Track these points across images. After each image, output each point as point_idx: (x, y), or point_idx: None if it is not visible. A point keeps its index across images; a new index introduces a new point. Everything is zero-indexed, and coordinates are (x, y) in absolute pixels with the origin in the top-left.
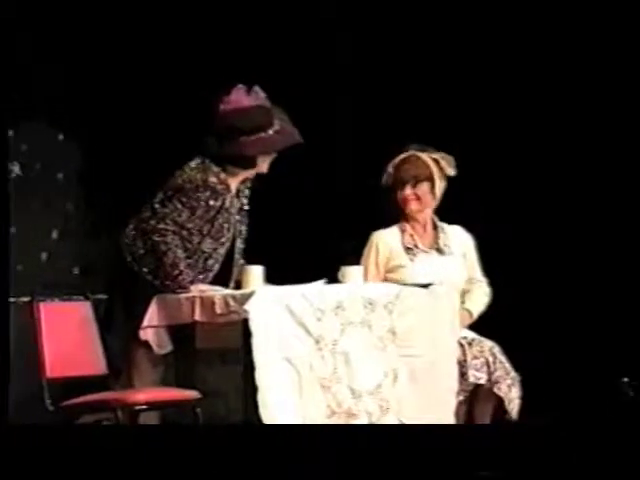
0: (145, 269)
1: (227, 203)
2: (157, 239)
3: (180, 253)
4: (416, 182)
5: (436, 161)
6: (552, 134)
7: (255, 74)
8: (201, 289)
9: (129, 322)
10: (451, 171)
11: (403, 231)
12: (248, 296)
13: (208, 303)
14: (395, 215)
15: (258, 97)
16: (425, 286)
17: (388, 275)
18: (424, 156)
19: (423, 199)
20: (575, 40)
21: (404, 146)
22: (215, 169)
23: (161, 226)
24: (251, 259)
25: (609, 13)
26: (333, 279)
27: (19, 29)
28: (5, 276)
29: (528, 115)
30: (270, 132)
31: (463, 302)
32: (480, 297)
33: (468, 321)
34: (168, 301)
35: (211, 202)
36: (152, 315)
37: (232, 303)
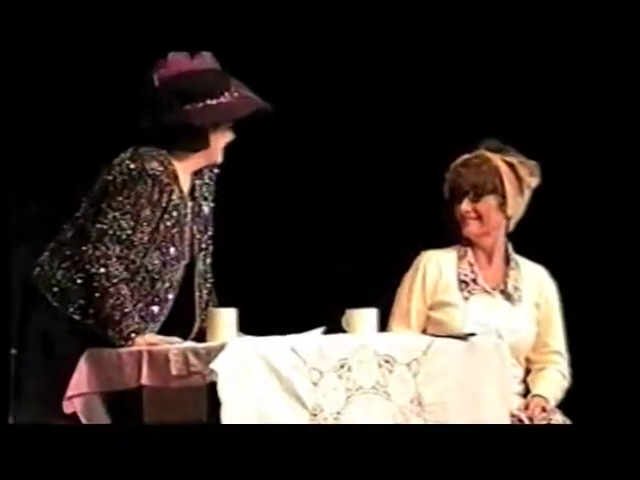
0: (72, 307)
1: (176, 198)
2: (97, 271)
3: (126, 290)
4: (477, 194)
5: (511, 166)
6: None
7: (254, 74)
8: (150, 341)
9: (48, 387)
10: (533, 182)
11: (461, 257)
12: (216, 351)
13: (160, 361)
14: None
15: (206, 60)
16: (464, 337)
17: (431, 313)
18: (495, 159)
19: (487, 218)
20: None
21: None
22: (154, 152)
23: (99, 253)
24: (220, 299)
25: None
26: (335, 327)
27: None
28: None
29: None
30: (224, 99)
31: (527, 376)
32: (556, 378)
33: (541, 413)
34: (104, 358)
35: (155, 196)
36: (81, 378)
37: (193, 360)
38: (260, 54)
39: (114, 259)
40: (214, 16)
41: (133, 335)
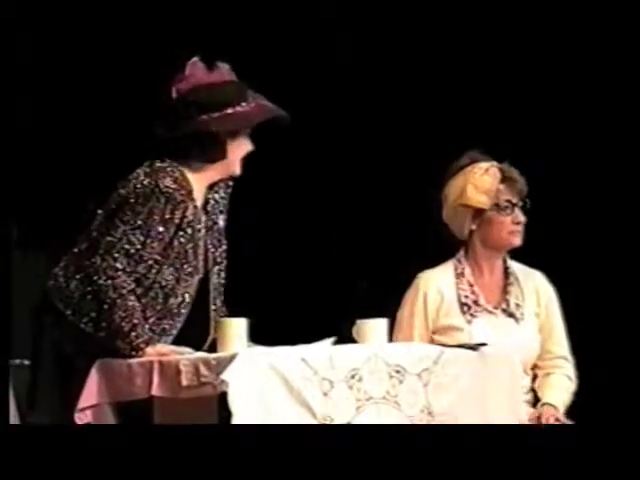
0: (85, 319)
1: (189, 215)
2: (104, 283)
3: (134, 301)
4: (524, 205)
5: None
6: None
7: (253, 74)
8: (161, 351)
9: (63, 398)
10: None
11: (459, 275)
12: (226, 361)
13: (171, 371)
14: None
15: (223, 72)
16: (474, 348)
17: (435, 337)
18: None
19: (524, 229)
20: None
21: (458, 153)
22: (169, 169)
23: (106, 264)
24: (231, 309)
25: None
26: (345, 337)
27: None
28: None
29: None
30: (240, 107)
31: (534, 382)
32: (564, 383)
33: (554, 420)
34: (114, 369)
35: (167, 214)
36: (92, 389)
37: (204, 371)
38: (260, 54)
39: (121, 271)
40: (214, 17)
41: (143, 345)
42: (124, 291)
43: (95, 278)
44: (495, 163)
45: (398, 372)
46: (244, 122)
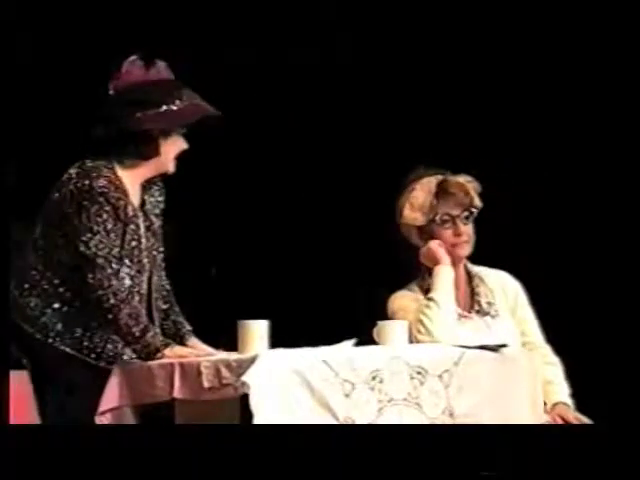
0: (51, 334)
1: (130, 211)
2: (101, 293)
3: (137, 302)
4: (466, 217)
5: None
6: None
7: (252, 75)
8: (180, 353)
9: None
10: (479, 203)
11: (426, 292)
12: (248, 363)
13: (192, 373)
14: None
15: (160, 70)
16: (495, 349)
17: None
18: (461, 180)
19: (471, 240)
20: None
21: (411, 168)
22: (102, 168)
23: (96, 280)
24: (249, 311)
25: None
26: (366, 339)
27: None
28: None
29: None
30: (174, 106)
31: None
32: (557, 372)
33: (571, 419)
34: (134, 371)
35: (111, 211)
36: (112, 392)
37: (226, 373)
38: (258, 54)
39: (113, 277)
40: (214, 16)
41: (162, 347)
42: (123, 295)
43: (91, 296)
44: (439, 176)
45: (419, 373)
46: (177, 121)
